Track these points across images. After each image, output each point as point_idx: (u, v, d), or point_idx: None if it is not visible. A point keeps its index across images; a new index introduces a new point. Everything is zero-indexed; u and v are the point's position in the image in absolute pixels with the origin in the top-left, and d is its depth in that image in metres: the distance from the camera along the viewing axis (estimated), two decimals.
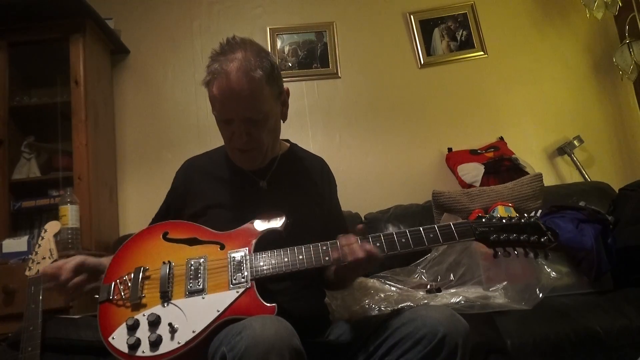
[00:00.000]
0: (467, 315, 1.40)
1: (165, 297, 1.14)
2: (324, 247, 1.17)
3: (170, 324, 1.08)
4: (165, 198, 1.48)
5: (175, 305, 1.12)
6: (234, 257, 1.18)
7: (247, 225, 1.24)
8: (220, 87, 1.19)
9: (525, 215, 1.18)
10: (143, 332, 1.09)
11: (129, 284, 1.17)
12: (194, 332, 1.07)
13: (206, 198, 1.35)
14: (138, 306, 1.14)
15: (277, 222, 1.23)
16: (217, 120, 1.28)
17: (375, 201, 2.44)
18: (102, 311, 1.17)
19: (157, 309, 1.13)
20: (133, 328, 1.10)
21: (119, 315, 1.14)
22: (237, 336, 0.95)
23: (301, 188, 1.40)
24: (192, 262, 1.19)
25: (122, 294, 1.17)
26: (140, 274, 1.18)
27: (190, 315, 1.10)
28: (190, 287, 1.14)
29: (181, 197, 1.40)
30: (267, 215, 1.25)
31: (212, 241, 1.23)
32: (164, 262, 1.19)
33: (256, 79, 1.19)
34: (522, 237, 1.14)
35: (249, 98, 1.19)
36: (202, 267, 1.18)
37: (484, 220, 1.17)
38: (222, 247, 1.21)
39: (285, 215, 1.24)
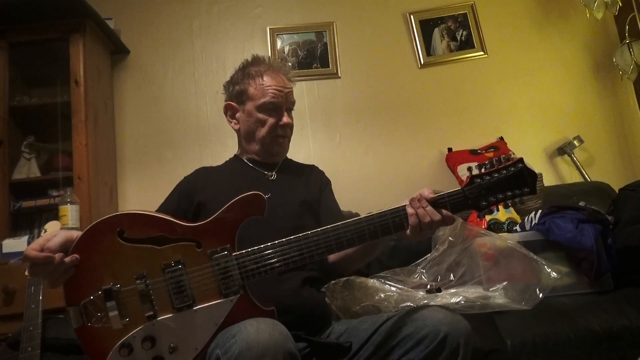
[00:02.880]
0: (467, 315, 1.40)
1: (152, 317, 1.05)
2: (333, 232, 1.13)
3: (169, 345, 1.03)
4: (168, 197, 1.48)
5: (166, 323, 1.04)
6: (217, 262, 1.07)
7: (223, 212, 1.12)
8: (274, 78, 1.48)
9: (511, 155, 1.16)
10: (140, 357, 1.02)
11: (105, 306, 1.04)
12: (196, 349, 1.04)
13: (216, 190, 1.40)
14: (124, 327, 1.05)
15: (259, 209, 1.11)
16: (262, 109, 1.46)
17: (375, 201, 2.44)
18: (83, 336, 1.05)
19: (147, 329, 1.04)
20: (128, 354, 1.02)
21: (105, 340, 1.04)
22: (232, 339, 0.94)
23: (302, 181, 1.53)
24: (171, 274, 1.06)
25: (100, 318, 1.05)
26: (114, 297, 1.04)
27: (187, 332, 1.04)
28: (178, 302, 1.06)
29: (190, 194, 1.43)
30: (246, 200, 1.12)
31: (184, 238, 1.09)
32: (137, 280, 1.06)
33: (291, 79, 1.54)
34: (508, 194, 1.14)
35: (291, 90, 1.52)
36: (184, 279, 1.07)
37: (476, 181, 1.16)
38: (199, 246, 1.09)
39: (263, 192, 1.14)
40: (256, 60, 1.53)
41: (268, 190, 1.26)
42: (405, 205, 1.13)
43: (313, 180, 1.57)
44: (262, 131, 1.47)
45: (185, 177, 1.54)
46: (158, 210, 1.38)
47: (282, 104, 1.47)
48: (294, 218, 1.38)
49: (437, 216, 1.10)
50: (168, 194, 1.50)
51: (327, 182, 1.61)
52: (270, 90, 1.45)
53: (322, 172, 1.64)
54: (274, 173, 1.50)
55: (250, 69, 1.50)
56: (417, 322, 1.07)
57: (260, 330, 0.94)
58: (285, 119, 1.47)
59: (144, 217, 1.13)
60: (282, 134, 1.49)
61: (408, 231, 1.13)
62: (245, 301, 1.07)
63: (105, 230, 1.09)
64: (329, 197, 1.56)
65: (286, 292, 1.23)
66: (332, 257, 1.43)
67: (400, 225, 1.13)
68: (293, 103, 1.52)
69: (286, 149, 1.54)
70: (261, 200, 1.12)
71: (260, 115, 1.46)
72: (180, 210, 1.40)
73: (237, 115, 1.53)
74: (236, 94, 1.51)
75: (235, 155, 1.60)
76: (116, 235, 1.08)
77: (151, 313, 1.05)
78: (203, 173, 1.54)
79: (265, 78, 1.47)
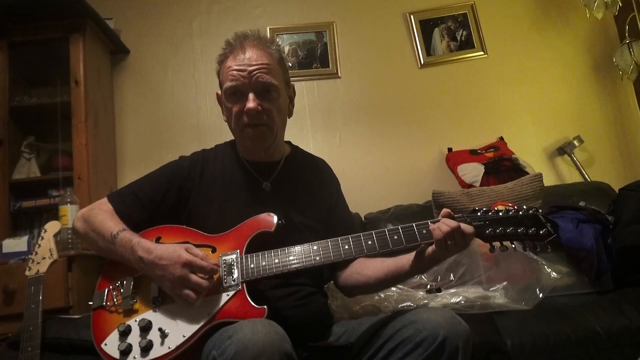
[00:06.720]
0: (467, 315, 1.41)
1: (157, 302, 1.15)
2: (336, 242, 1.16)
3: (160, 329, 1.10)
4: (156, 178, 1.35)
5: (167, 310, 1.13)
6: (225, 260, 1.16)
7: (239, 227, 1.22)
8: (238, 58, 1.26)
9: (524, 207, 1.14)
10: (134, 338, 1.11)
11: (122, 290, 1.19)
12: (184, 336, 1.08)
13: (211, 200, 1.31)
14: (130, 312, 1.16)
15: (270, 224, 1.20)
16: (227, 96, 1.28)
17: (375, 201, 2.44)
18: (96, 318, 1.19)
19: (149, 314, 1.14)
20: (125, 334, 1.12)
21: (111, 321, 1.16)
22: (228, 340, 0.94)
23: (305, 193, 1.38)
24: None
25: (115, 300, 1.18)
26: (133, 280, 1.19)
27: (181, 320, 1.10)
28: None
29: (181, 192, 1.32)
30: (260, 217, 1.22)
31: (203, 244, 1.21)
32: None
33: (271, 53, 1.29)
34: (519, 230, 1.10)
35: (265, 67, 1.26)
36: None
37: (479, 213, 1.14)
38: (214, 250, 1.20)
39: (278, 216, 1.21)
40: (231, 38, 1.32)
41: (260, 206, 1.25)
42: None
43: (325, 188, 1.43)
44: (232, 123, 1.31)
45: (180, 165, 1.37)
46: (140, 186, 1.33)
47: (245, 86, 1.24)
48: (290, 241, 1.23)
49: (454, 223, 1.09)
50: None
51: (339, 189, 1.48)
52: (230, 73, 1.26)
53: (331, 174, 1.51)
54: (268, 183, 1.34)
55: (225, 48, 1.32)
56: (416, 324, 1.06)
57: (256, 330, 0.94)
58: (250, 104, 1.23)
59: (177, 228, 1.27)
60: (249, 122, 1.26)
61: (434, 245, 1.12)
62: (241, 298, 1.11)
63: (147, 237, 1.23)
64: (344, 211, 1.46)
65: (292, 300, 1.22)
66: (350, 282, 1.33)
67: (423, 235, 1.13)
68: (267, 84, 1.25)
69: (264, 139, 1.30)
70: (271, 220, 1.21)
71: (227, 104, 1.29)
72: (163, 204, 1.30)
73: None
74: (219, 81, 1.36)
75: (235, 146, 1.43)
76: (154, 240, 1.23)
77: (157, 299, 1.15)
78: (200, 168, 1.37)
79: (229, 58, 1.28)
